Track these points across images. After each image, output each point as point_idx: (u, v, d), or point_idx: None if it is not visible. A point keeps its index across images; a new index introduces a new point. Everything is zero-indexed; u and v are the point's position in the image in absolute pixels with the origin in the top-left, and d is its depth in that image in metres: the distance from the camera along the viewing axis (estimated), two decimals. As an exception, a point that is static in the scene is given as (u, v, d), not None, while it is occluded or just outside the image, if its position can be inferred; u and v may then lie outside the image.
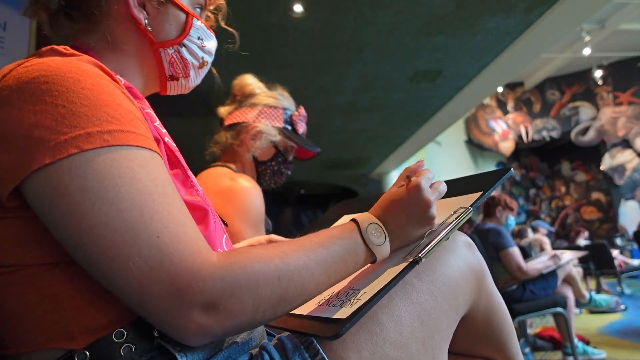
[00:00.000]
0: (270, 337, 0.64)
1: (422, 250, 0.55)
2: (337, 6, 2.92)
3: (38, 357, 0.45)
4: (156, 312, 0.41)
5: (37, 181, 0.41)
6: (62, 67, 0.45)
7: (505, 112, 11.07)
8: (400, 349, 0.54)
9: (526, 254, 3.07)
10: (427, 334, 0.57)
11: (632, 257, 7.26)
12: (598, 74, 9.62)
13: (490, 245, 2.53)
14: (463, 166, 10.39)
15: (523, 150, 11.69)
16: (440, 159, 9.44)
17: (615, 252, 5.36)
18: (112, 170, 0.41)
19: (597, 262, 5.04)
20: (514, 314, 2.31)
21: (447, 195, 0.65)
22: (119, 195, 0.41)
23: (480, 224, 2.78)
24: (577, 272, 2.99)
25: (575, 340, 2.53)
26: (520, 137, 10.90)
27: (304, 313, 0.58)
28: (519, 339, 1.67)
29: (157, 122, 0.59)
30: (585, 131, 10.33)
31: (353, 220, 0.57)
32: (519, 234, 5.03)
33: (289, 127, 1.23)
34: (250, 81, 1.27)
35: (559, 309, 2.40)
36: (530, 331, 3.08)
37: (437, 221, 0.60)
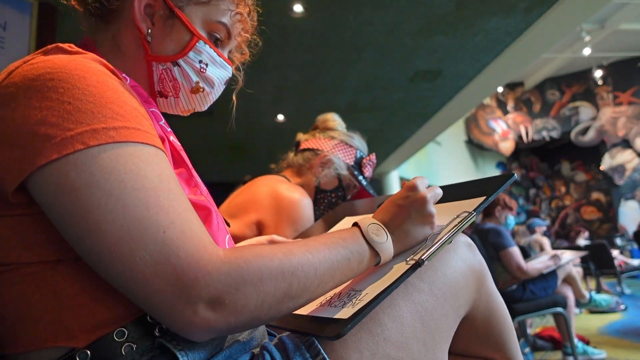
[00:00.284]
0: (272, 337, 0.64)
1: (424, 253, 0.55)
2: (337, 6, 2.93)
3: (38, 357, 0.44)
4: (161, 307, 0.41)
5: (42, 177, 0.41)
6: (67, 64, 0.45)
7: (505, 112, 11.08)
8: (401, 349, 0.54)
9: (526, 254, 3.07)
10: (428, 334, 0.57)
11: (632, 257, 7.27)
12: (598, 74, 9.63)
13: (490, 245, 2.53)
14: (463, 166, 10.40)
15: (523, 150, 11.70)
16: (440, 159, 9.45)
17: (615, 252, 5.37)
18: (117, 166, 0.41)
19: (597, 262, 5.04)
20: (514, 314, 2.31)
21: (451, 199, 0.66)
22: (125, 191, 0.41)
23: (479, 223, 2.78)
24: (577, 272, 2.99)
25: (575, 340, 2.53)
26: (520, 137, 10.91)
27: (305, 313, 0.58)
28: (519, 339, 1.67)
29: (162, 121, 0.59)
30: (585, 131, 10.34)
31: (354, 223, 0.58)
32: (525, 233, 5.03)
33: (357, 167, 1.30)
34: (334, 118, 1.38)
35: (559, 309, 2.40)
36: (530, 331, 3.07)
37: (440, 224, 0.61)
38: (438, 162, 9.34)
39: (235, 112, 0.82)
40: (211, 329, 0.42)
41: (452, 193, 0.68)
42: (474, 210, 0.60)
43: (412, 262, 0.54)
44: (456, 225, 0.59)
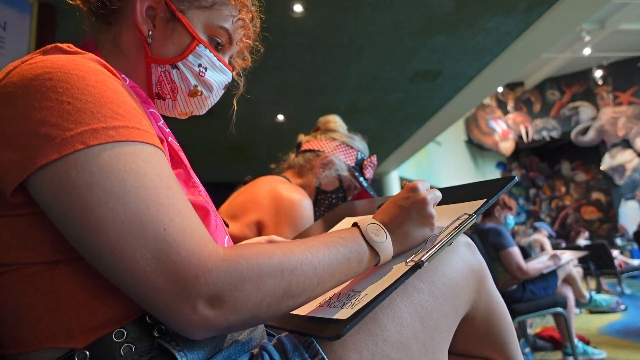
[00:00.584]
0: (270, 337, 0.64)
1: (424, 254, 0.55)
2: (337, 6, 2.93)
3: (37, 357, 0.44)
4: (161, 305, 0.41)
5: (43, 177, 0.41)
6: (66, 64, 0.45)
7: (505, 112, 11.08)
8: (400, 350, 0.54)
9: (526, 254, 3.07)
10: (428, 335, 0.57)
11: (632, 257, 7.27)
12: (598, 74, 9.63)
13: (490, 245, 2.53)
14: (463, 166, 10.40)
15: (523, 150, 11.70)
16: (440, 159, 9.44)
17: (615, 252, 5.37)
18: (117, 165, 0.42)
19: (597, 262, 5.04)
20: (514, 314, 2.31)
21: (451, 201, 0.67)
22: (125, 190, 0.41)
23: (479, 223, 2.78)
24: (577, 272, 2.99)
25: (575, 340, 2.52)
26: (520, 137, 10.91)
27: (304, 313, 0.58)
28: (519, 339, 1.67)
29: (161, 122, 0.59)
30: (585, 131, 10.34)
31: (353, 223, 0.58)
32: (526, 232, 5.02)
33: (358, 169, 1.30)
34: (336, 120, 1.39)
35: (559, 309, 2.40)
36: (530, 331, 3.07)
37: (441, 225, 0.61)
38: (438, 162, 9.34)
39: (236, 113, 0.82)
40: (211, 327, 0.42)
41: (452, 195, 0.68)
42: (475, 212, 0.60)
43: (412, 263, 0.54)
44: (456, 227, 0.59)
